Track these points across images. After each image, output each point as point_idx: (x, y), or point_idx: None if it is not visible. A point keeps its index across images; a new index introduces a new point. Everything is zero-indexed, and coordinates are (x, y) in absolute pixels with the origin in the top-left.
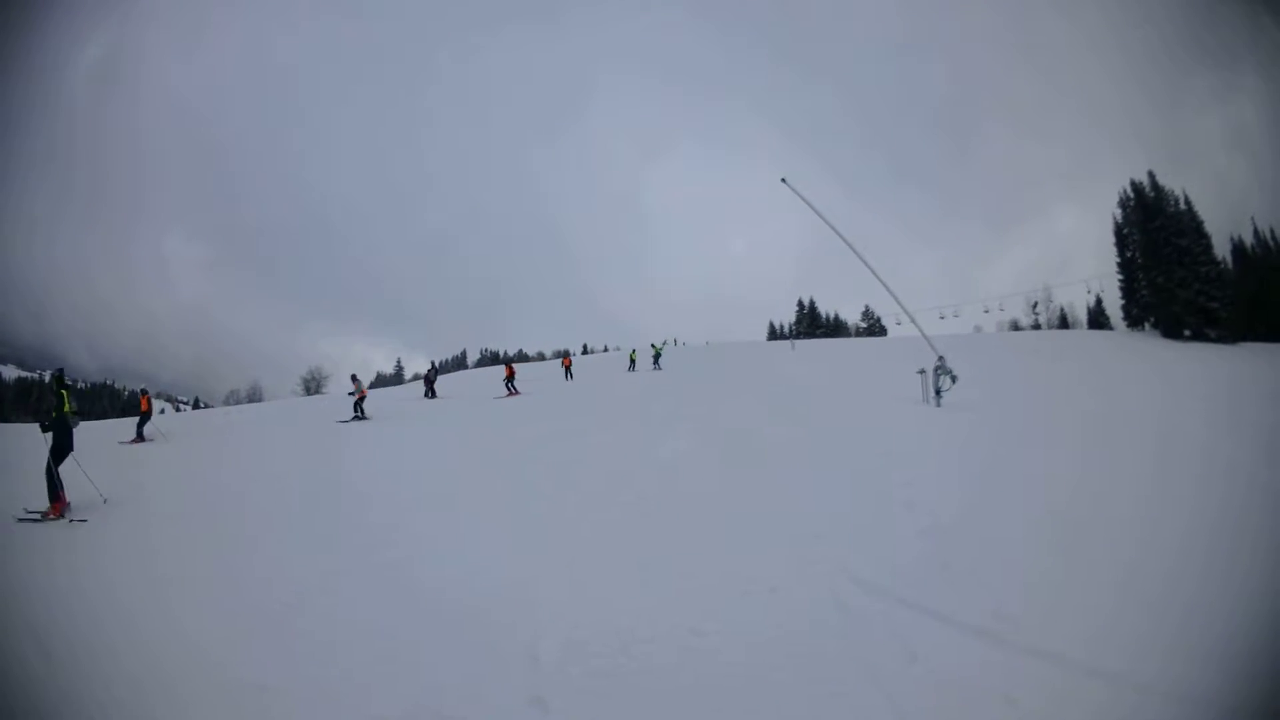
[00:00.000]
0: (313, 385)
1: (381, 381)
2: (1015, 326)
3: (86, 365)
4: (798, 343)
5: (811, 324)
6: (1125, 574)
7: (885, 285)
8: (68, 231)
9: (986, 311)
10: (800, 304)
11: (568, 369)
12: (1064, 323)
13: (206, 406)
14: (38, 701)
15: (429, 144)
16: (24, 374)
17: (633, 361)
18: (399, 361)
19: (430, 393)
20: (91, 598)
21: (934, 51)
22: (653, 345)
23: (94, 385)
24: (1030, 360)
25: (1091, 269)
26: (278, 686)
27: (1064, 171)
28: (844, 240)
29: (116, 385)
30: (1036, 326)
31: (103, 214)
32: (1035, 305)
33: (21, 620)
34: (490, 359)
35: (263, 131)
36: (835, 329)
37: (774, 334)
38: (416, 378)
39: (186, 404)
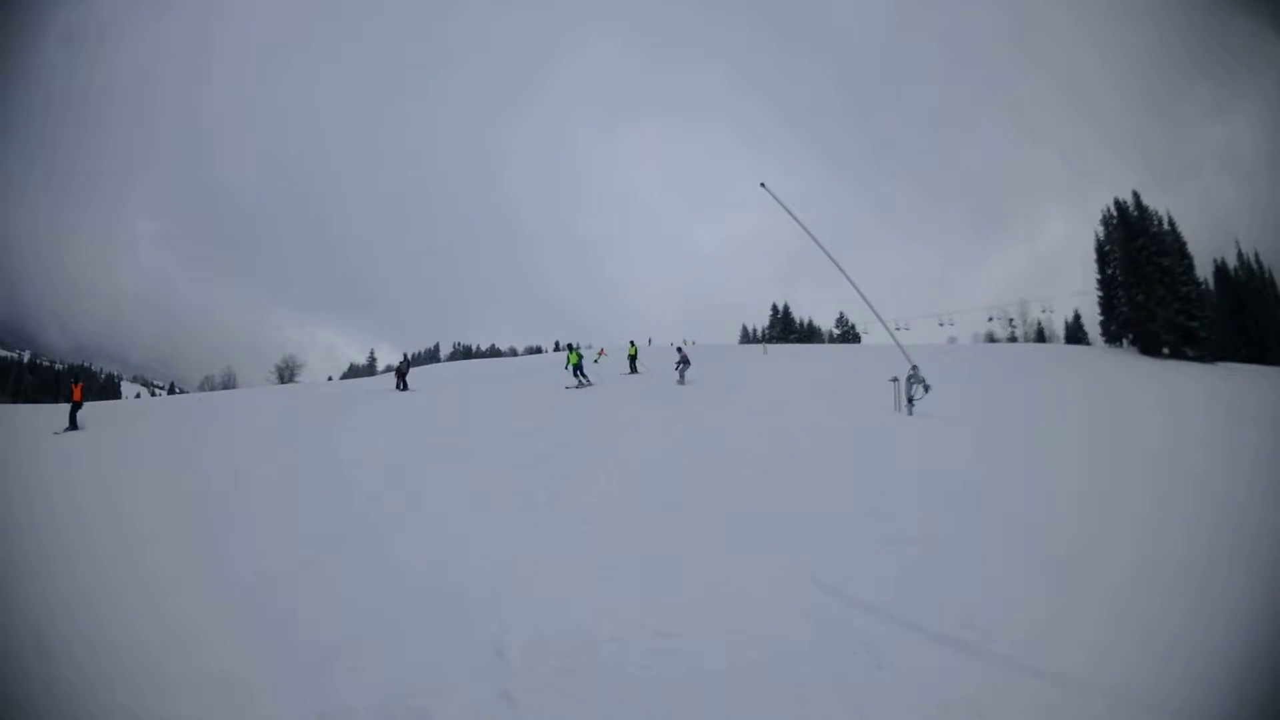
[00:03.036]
0: (286, 373)
1: (354, 372)
2: (991, 338)
3: (59, 344)
4: (770, 347)
5: (785, 329)
6: (1086, 579)
7: (861, 294)
8: (36, 204)
9: (948, 324)
10: (774, 308)
11: (74, 409)
12: (1041, 336)
13: (182, 392)
14: (33, 695)
15: (397, 131)
16: (2, 353)
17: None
18: (372, 353)
19: (402, 385)
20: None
21: (929, 34)
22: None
23: (70, 366)
24: (1004, 373)
25: (1076, 280)
26: (247, 676)
27: (1054, 173)
28: (821, 248)
29: (93, 367)
30: (1013, 339)
31: (71, 186)
32: (1009, 319)
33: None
34: (463, 353)
35: (229, 111)
36: (808, 335)
37: (746, 337)
38: (389, 369)
39: (162, 388)
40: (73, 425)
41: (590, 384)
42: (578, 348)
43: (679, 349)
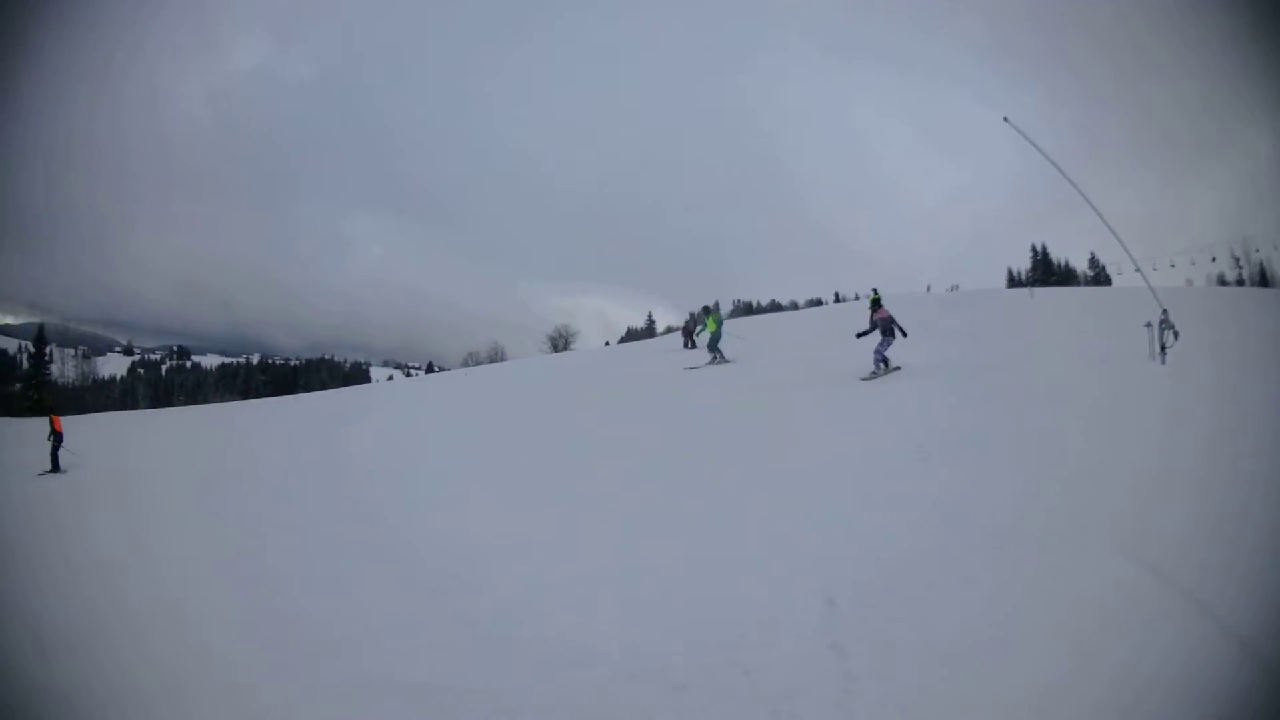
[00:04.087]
0: (560, 342)
1: (631, 335)
2: (1222, 281)
3: (289, 344)
4: (1036, 291)
5: (1045, 271)
6: None
7: (1114, 233)
8: (245, 224)
9: (1173, 266)
10: (1034, 249)
11: (55, 445)
12: (1264, 280)
13: (442, 370)
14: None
15: (624, 86)
16: (226, 359)
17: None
18: (649, 314)
19: (690, 343)
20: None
21: None
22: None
23: (308, 361)
24: (1245, 319)
25: None
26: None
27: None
28: (1072, 184)
29: (336, 359)
30: (1240, 282)
31: (274, 201)
32: (1235, 259)
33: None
34: (744, 309)
35: (435, 96)
36: (1066, 277)
37: (1013, 281)
38: (670, 330)
39: (418, 369)
40: (55, 467)
41: (727, 360)
42: (716, 310)
43: (874, 303)
